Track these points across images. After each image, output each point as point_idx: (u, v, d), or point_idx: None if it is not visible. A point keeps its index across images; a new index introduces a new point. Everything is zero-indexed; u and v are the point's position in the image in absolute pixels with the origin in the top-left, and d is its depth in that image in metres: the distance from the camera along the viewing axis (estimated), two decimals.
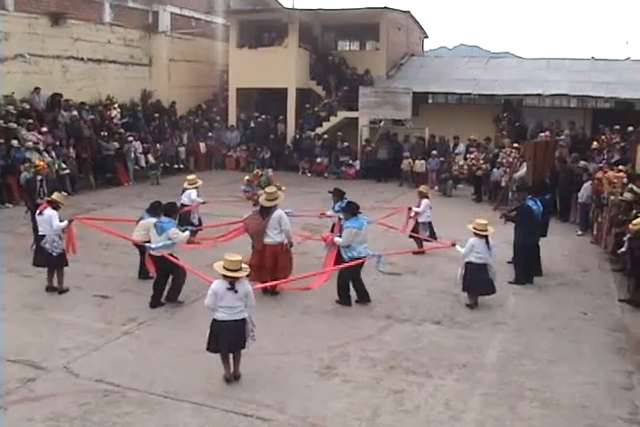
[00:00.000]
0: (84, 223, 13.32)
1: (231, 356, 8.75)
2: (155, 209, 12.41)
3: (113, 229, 13.05)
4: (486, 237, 11.72)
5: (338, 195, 13.84)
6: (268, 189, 12.54)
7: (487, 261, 11.76)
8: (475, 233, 11.74)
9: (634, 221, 12.55)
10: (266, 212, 12.16)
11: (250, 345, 8.66)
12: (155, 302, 11.53)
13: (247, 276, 8.72)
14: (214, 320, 8.61)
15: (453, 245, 12.15)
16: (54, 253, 11.86)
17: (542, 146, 15.14)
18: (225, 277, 8.46)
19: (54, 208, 12.02)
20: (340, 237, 11.88)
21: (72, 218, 12.35)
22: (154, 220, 12.06)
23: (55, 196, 12.26)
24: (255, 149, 29.76)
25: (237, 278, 8.47)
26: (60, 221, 11.94)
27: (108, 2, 27.72)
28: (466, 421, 7.85)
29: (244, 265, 8.64)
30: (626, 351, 10.10)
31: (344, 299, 11.93)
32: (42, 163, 16.61)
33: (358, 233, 11.61)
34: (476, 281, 11.80)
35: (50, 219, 11.79)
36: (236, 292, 8.45)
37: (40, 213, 11.99)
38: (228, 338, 8.52)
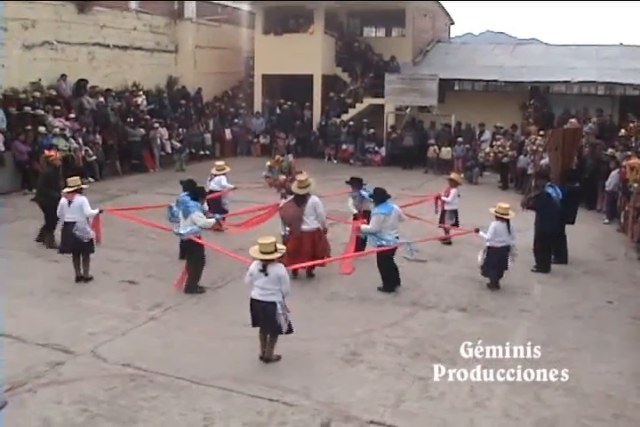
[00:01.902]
0: (115, 214, 13.48)
1: (268, 337, 8.88)
2: (190, 186, 12.24)
3: (144, 219, 13.36)
4: (507, 220, 11.80)
5: (356, 184, 13.77)
6: (299, 177, 12.60)
7: (508, 244, 11.88)
8: (496, 217, 11.84)
9: None
10: (301, 199, 12.29)
11: (283, 330, 8.74)
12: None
13: (281, 257, 8.79)
14: (250, 298, 8.79)
15: (477, 231, 12.22)
16: (85, 240, 11.91)
17: (570, 133, 14.98)
18: (259, 259, 8.61)
19: (82, 194, 12.10)
20: (368, 223, 11.94)
21: (102, 209, 12.49)
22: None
23: (70, 181, 12.20)
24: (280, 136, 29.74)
25: (269, 261, 8.56)
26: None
27: None
28: (491, 408, 7.85)
29: (279, 246, 8.75)
30: None
31: (390, 286, 11.98)
32: (55, 153, 16.61)
33: (387, 219, 11.63)
34: (494, 264, 11.95)
35: (81, 206, 11.84)
36: (267, 275, 8.57)
37: (69, 202, 11.93)
38: (259, 317, 8.72)
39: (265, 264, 8.59)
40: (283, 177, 14.80)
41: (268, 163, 16.52)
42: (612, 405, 8.00)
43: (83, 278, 12.07)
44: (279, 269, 8.68)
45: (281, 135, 29.09)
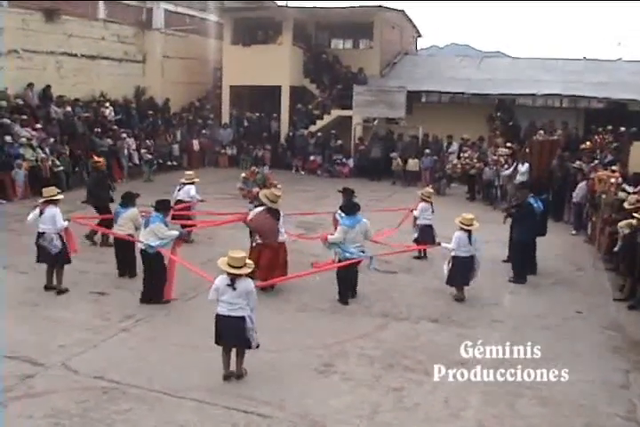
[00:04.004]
0: (80, 223, 13.38)
1: (233, 353, 8.76)
2: (126, 200, 12.87)
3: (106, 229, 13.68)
4: (469, 231, 11.96)
5: (348, 193, 13.86)
6: (276, 192, 12.64)
7: (472, 253, 12.03)
8: (460, 227, 11.99)
9: (619, 224, 12.76)
10: (276, 212, 12.36)
11: (253, 344, 8.65)
12: (144, 298, 11.63)
13: (252, 273, 8.73)
14: (216, 314, 8.64)
15: (439, 244, 12.50)
16: (52, 252, 11.73)
17: (548, 145, 15.22)
18: (227, 273, 8.49)
19: (55, 205, 11.95)
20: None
21: (67, 218, 12.26)
22: (134, 210, 12.63)
23: (45, 191, 12.16)
24: (248, 147, 29.73)
25: (238, 276, 8.47)
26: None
27: None
28: (465, 418, 7.89)
29: (248, 261, 8.65)
30: (621, 350, 10.17)
31: (343, 297, 12.03)
32: (99, 158, 17.05)
33: (350, 231, 11.75)
34: (459, 274, 12.10)
35: (54, 217, 11.66)
36: (235, 289, 8.44)
37: (41, 212, 11.77)
38: (227, 332, 8.55)
39: (233, 278, 8.48)
40: (257, 189, 14.84)
41: (243, 175, 16.59)
42: (585, 414, 8.10)
43: (52, 289, 11.90)
44: (248, 284, 8.54)
45: (267, 147, 28.93)
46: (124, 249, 12.93)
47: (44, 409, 7.77)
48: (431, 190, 15.72)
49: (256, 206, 13.22)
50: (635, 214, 12.21)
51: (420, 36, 39.40)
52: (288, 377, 8.82)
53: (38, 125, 22.33)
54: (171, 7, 31.05)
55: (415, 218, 14.99)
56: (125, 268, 13.05)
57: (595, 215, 16.49)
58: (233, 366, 8.78)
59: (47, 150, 21.68)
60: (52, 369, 8.85)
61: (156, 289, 11.62)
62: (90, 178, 16.71)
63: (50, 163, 21.42)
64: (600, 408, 8.28)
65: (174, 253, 11.73)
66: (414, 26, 37.23)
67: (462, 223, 12.01)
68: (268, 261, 12.02)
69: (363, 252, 12.00)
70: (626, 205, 13.24)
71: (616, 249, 13.41)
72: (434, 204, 15.11)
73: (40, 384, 8.41)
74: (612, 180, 15.85)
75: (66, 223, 11.90)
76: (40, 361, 9.04)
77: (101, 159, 16.84)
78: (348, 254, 11.75)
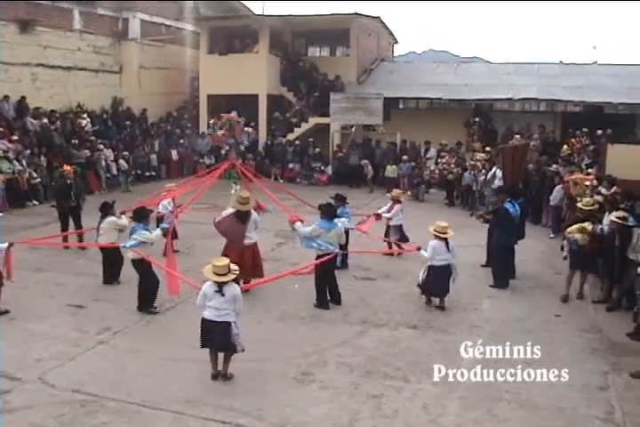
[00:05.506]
0: (28, 243, 13.26)
1: (221, 356, 8.88)
2: (103, 210, 13.06)
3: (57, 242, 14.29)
4: (446, 239, 11.90)
5: (339, 200, 13.93)
6: (241, 194, 12.59)
7: (449, 262, 11.96)
8: (435, 235, 11.93)
9: (568, 229, 12.77)
10: (244, 216, 12.37)
11: (239, 349, 8.75)
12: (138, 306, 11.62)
13: (236, 279, 8.81)
14: (202, 318, 8.76)
15: (419, 249, 12.35)
16: None
17: (519, 150, 15.29)
18: (214, 281, 8.61)
19: None
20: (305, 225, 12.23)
21: (12, 242, 11.78)
22: (110, 218, 12.74)
23: None
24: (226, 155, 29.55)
25: (225, 283, 8.57)
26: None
27: (78, 9, 27.59)
28: (444, 424, 7.87)
29: (233, 267, 8.77)
30: (600, 352, 10.18)
31: (321, 302, 12.03)
32: (68, 167, 16.86)
33: (324, 234, 11.78)
34: (436, 284, 12.02)
35: None
36: (223, 295, 8.60)
37: None
38: (212, 337, 8.68)
39: (220, 285, 8.59)
40: (221, 132, 14.93)
41: (211, 121, 16.76)
42: (564, 417, 8.11)
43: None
44: (234, 290, 8.71)
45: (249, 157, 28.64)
46: (109, 257, 12.95)
47: (20, 424, 7.70)
48: (400, 191, 15.99)
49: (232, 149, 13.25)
50: (613, 218, 12.05)
51: (396, 42, 39.55)
52: (267, 387, 8.79)
53: (15, 137, 22.24)
54: (146, 17, 31.05)
55: (388, 219, 15.18)
56: (110, 275, 13.06)
57: (572, 218, 16.50)
58: (220, 366, 8.91)
59: (24, 162, 21.62)
60: (29, 384, 8.76)
61: (143, 298, 11.59)
62: (54, 186, 17.60)
63: (27, 175, 21.35)
64: (579, 411, 8.28)
65: (169, 255, 12.17)
66: (390, 32, 37.37)
67: (437, 231, 11.92)
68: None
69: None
70: (579, 205, 13.15)
71: (565, 255, 13.30)
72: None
73: (17, 399, 8.31)
74: (587, 182, 15.92)
75: (4, 245, 11.47)
76: (17, 376, 8.94)
77: (68, 168, 16.74)
78: (314, 244, 11.82)
